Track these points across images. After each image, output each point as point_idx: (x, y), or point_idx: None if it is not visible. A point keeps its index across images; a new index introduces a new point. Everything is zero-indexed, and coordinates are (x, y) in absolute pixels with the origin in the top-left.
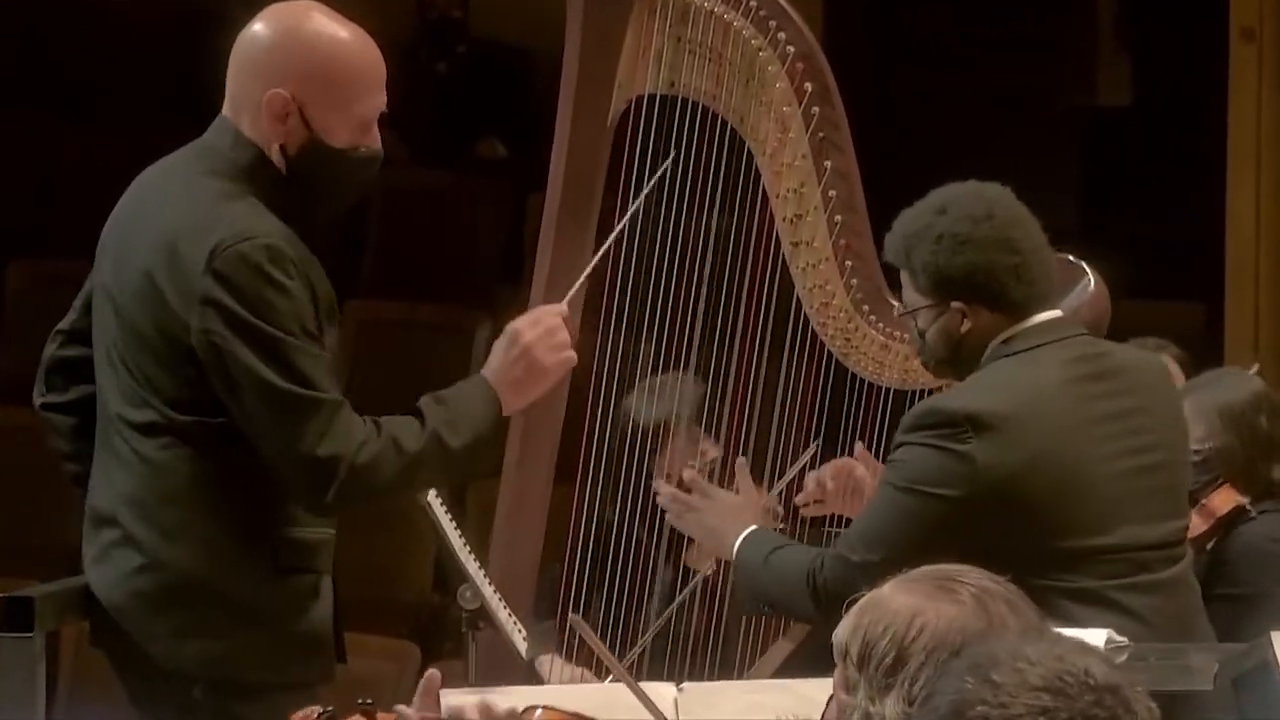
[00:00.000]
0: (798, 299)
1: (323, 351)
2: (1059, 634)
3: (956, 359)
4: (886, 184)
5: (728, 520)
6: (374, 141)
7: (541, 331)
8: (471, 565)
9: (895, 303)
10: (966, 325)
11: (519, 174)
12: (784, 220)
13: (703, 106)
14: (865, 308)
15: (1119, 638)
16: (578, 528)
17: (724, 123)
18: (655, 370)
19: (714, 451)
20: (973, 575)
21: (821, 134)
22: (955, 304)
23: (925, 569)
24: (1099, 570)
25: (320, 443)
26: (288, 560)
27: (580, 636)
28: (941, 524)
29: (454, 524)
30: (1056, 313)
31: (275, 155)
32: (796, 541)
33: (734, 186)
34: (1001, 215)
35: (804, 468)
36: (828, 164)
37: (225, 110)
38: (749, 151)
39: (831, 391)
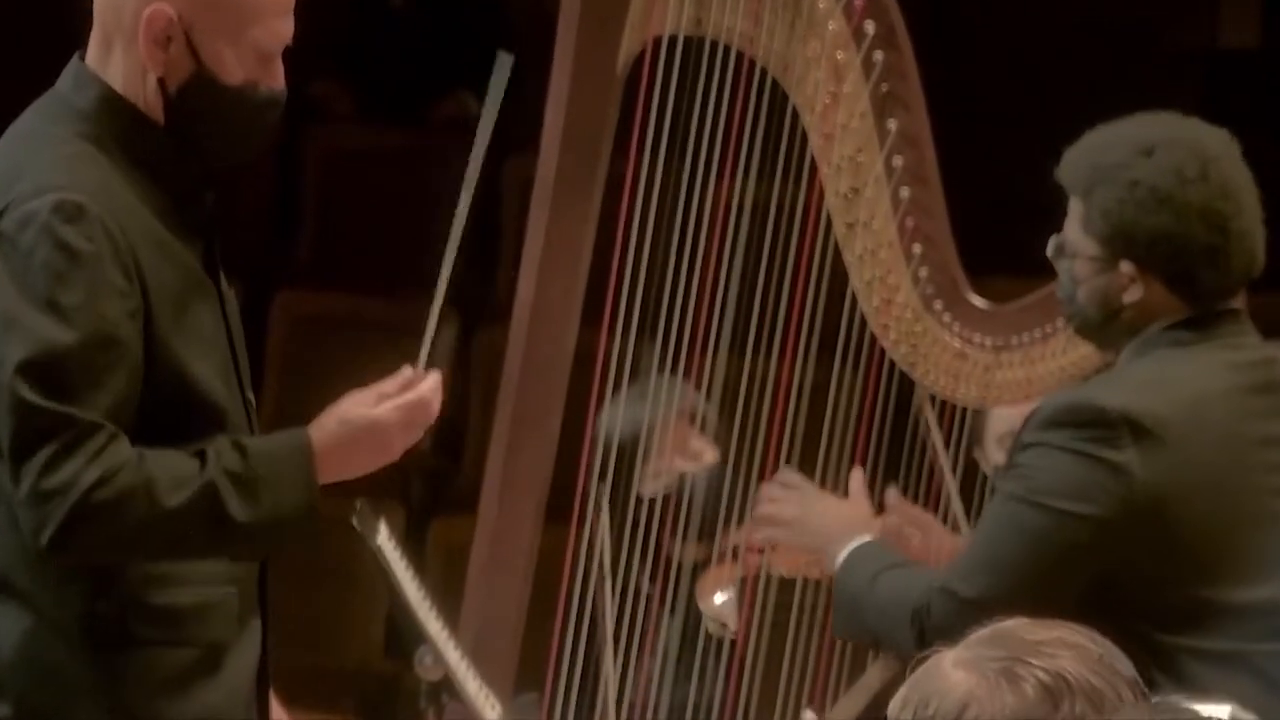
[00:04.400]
0: (852, 294)
1: (108, 351)
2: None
3: (1106, 329)
4: (958, 148)
5: (838, 523)
6: (275, 80)
7: (406, 406)
8: (433, 624)
9: (975, 299)
10: (1132, 296)
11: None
12: (836, 196)
13: (737, 51)
14: (937, 305)
15: (1245, 714)
16: (573, 578)
17: (763, 72)
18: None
19: (711, 454)
20: (1058, 658)
21: (885, 87)
22: (1126, 265)
23: (1000, 636)
24: (1242, 630)
25: (50, 471)
26: (143, 631)
27: None
28: (1073, 551)
29: (411, 573)
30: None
31: (151, 91)
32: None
33: (773, 153)
34: (1216, 180)
35: None
36: (892, 125)
37: (92, 40)
38: (793, 109)
39: (894, 410)
